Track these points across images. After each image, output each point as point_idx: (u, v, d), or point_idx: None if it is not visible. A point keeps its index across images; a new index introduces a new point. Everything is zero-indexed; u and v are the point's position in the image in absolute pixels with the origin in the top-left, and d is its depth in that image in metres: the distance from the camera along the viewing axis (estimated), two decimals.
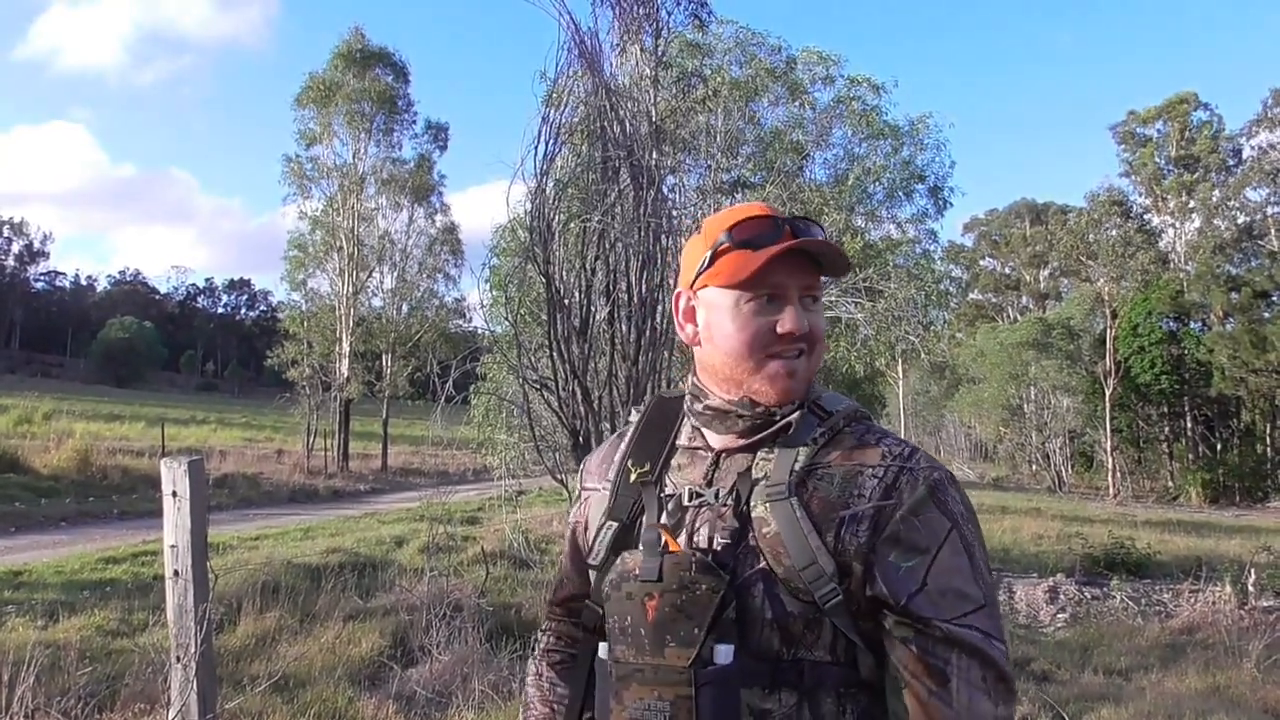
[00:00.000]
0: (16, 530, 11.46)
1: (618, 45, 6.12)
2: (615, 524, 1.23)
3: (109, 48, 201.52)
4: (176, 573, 3.34)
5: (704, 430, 1.25)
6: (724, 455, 1.21)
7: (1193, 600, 9.07)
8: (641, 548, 1.16)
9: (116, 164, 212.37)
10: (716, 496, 1.17)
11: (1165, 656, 7.20)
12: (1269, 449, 36.76)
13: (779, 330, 1.15)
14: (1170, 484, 36.13)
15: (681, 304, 1.26)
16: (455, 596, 6.65)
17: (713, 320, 1.21)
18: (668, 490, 1.22)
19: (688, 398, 1.27)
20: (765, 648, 1.08)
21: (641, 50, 6.27)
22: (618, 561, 1.18)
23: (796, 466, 1.13)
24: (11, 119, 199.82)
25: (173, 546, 3.35)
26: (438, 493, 10.50)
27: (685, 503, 1.19)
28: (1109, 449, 35.84)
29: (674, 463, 1.26)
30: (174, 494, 3.34)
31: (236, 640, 5.90)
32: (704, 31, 13.95)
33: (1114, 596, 9.38)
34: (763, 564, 1.10)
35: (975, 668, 1.04)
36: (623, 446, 1.32)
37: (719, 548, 1.13)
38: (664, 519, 1.19)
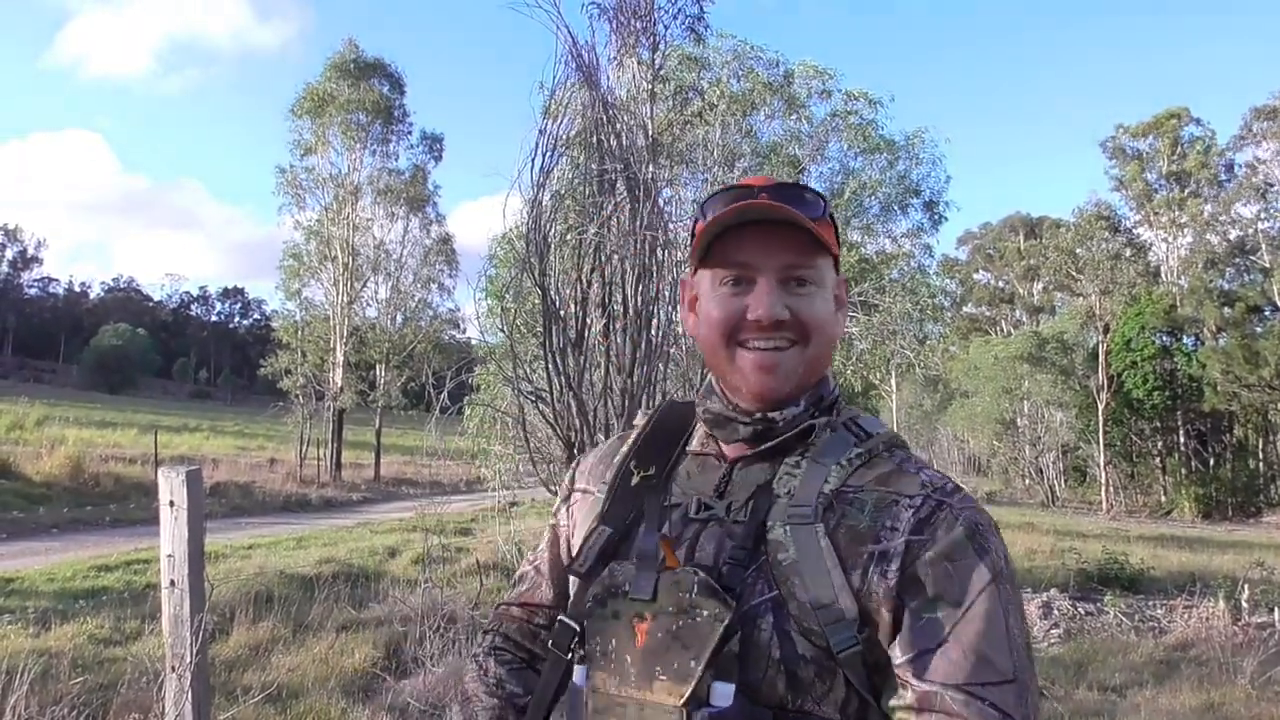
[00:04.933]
0: (8, 537, 11.42)
1: (615, 58, 6.13)
2: (609, 530, 1.05)
3: (137, 57, 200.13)
4: (172, 582, 3.33)
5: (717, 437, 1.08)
6: (738, 465, 1.04)
7: (1186, 616, 9.07)
8: (635, 560, 0.98)
9: (130, 172, 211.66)
10: (728, 511, 1.00)
11: (1159, 673, 7.20)
12: (1261, 464, 36.82)
13: (749, 316, 0.99)
14: (1163, 499, 36.10)
15: (686, 293, 1.11)
16: (449, 608, 6.63)
17: (699, 306, 1.06)
18: (673, 499, 1.05)
19: (699, 396, 1.11)
20: (768, 692, 0.90)
21: (639, 63, 6.28)
22: (605, 573, 0.99)
23: (826, 488, 0.97)
24: (31, 125, 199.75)
25: (169, 556, 3.34)
26: (431, 503, 10.48)
27: (691, 514, 1.02)
28: (1102, 463, 35.82)
29: (682, 470, 1.09)
30: (171, 503, 3.34)
31: (229, 650, 5.89)
32: (702, 45, 14.05)
33: (1108, 612, 9.37)
34: (775, 592, 0.93)
35: None
36: (624, 448, 1.15)
37: (725, 569, 0.95)
38: (665, 530, 1.01)
